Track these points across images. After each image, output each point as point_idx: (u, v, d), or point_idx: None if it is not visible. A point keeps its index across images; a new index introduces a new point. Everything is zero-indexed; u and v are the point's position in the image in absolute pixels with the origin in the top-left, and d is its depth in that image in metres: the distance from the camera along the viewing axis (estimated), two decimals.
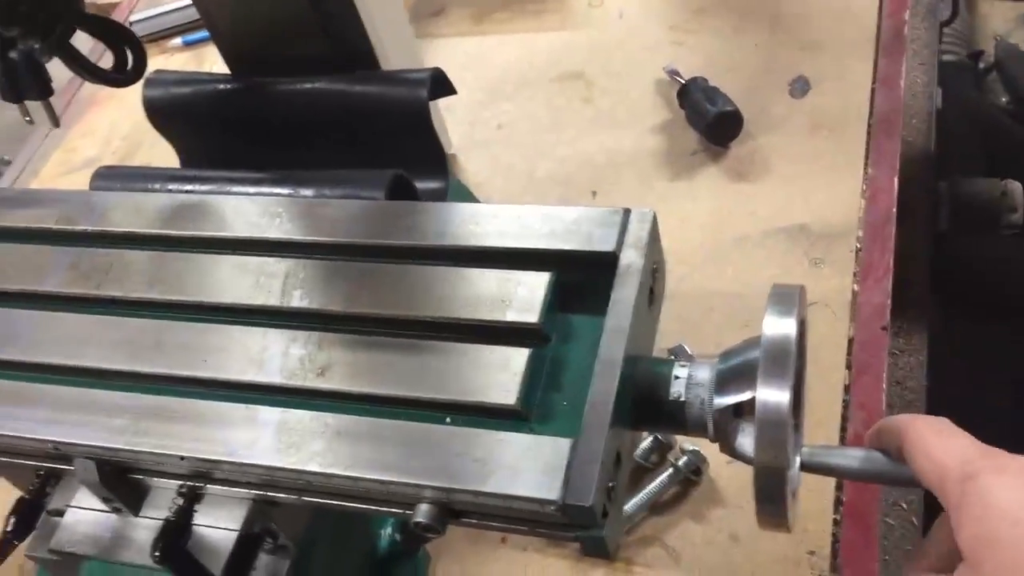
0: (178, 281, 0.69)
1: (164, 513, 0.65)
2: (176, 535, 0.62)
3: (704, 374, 0.58)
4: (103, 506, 0.69)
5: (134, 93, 1.30)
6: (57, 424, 0.62)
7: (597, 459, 0.52)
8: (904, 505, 0.73)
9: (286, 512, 0.67)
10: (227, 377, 0.62)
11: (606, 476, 0.53)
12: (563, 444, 0.53)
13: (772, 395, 0.52)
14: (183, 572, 0.63)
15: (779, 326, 0.54)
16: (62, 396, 0.64)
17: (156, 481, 0.63)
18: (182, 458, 0.59)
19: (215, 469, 0.60)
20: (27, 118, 0.76)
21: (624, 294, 0.60)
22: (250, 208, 0.72)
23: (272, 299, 0.65)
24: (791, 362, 0.52)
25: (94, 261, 0.72)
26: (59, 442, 0.62)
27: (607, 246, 0.62)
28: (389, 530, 0.76)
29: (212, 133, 0.87)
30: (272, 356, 0.63)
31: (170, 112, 0.86)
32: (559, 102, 1.11)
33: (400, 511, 0.57)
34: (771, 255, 0.90)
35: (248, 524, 0.66)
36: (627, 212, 0.63)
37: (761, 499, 0.53)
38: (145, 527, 0.69)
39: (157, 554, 0.62)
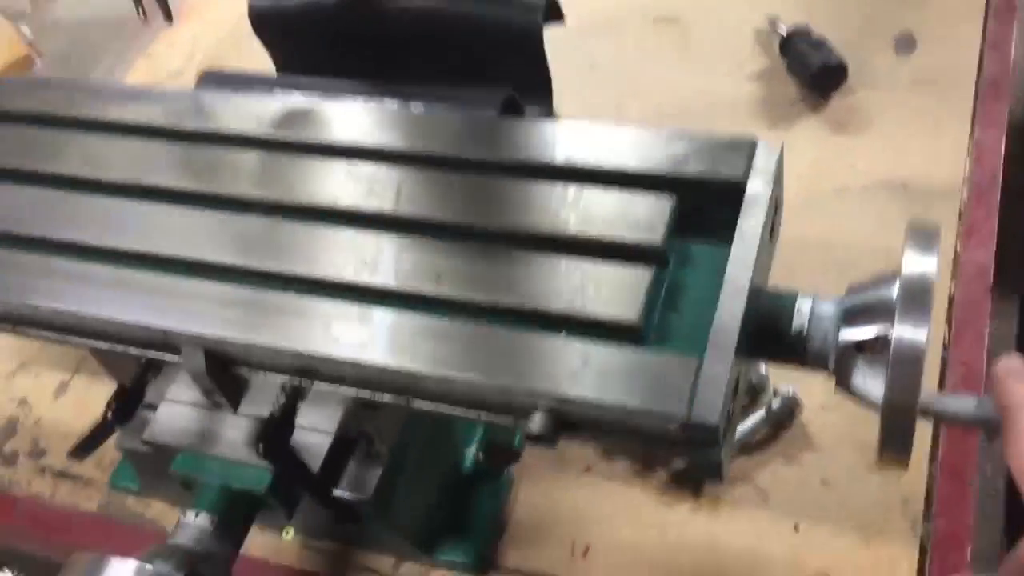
0: (289, 183, 0.68)
1: (261, 410, 0.66)
2: (280, 431, 0.63)
3: (829, 308, 0.57)
4: (200, 400, 0.70)
5: (217, 10, 1.30)
6: (168, 312, 0.62)
7: (724, 379, 0.52)
8: None
9: (383, 418, 0.68)
10: (340, 278, 0.62)
11: (730, 398, 0.53)
12: (688, 363, 0.53)
13: (910, 333, 0.51)
14: (284, 468, 0.64)
15: (919, 264, 0.52)
16: (173, 286, 0.64)
17: (260, 377, 0.63)
18: (295, 353, 0.59)
19: (325, 366, 0.59)
20: (141, 14, 0.76)
21: (751, 223, 0.59)
22: (362, 116, 0.72)
23: (386, 205, 0.65)
24: (930, 301, 0.51)
25: (205, 159, 0.72)
26: (170, 330, 0.62)
27: (734, 173, 0.61)
28: (474, 450, 0.77)
29: (317, 46, 0.86)
30: (386, 260, 0.62)
31: (276, 21, 0.86)
32: (654, 44, 1.10)
33: (512, 421, 0.57)
34: (869, 209, 0.89)
35: (345, 427, 0.67)
36: (755, 142, 0.62)
37: (887, 438, 0.52)
38: (238, 424, 0.70)
39: (261, 447, 0.62)
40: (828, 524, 0.70)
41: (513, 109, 0.76)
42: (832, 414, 0.75)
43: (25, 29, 2.53)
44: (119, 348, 0.66)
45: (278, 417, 0.63)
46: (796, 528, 0.71)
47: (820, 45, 0.98)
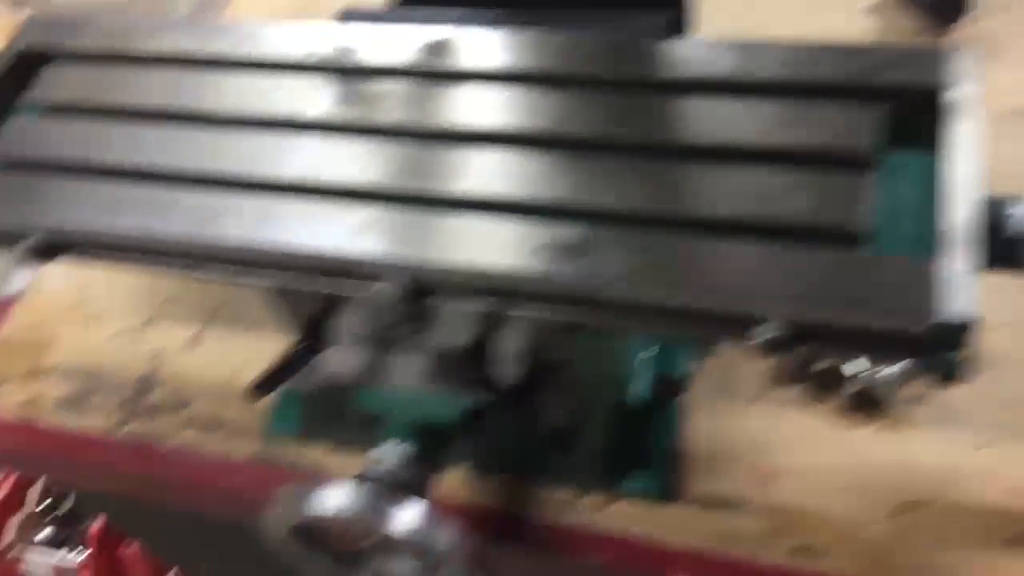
0: (457, 109, 0.67)
1: (449, 341, 0.65)
2: (476, 360, 0.62)
3: None
4: (379, 336, 0.70)
5: None
6: (364, 240, 0.62)
7: (970, 276, 0.51)
8: None
9: (571, 347, 0.67)
10: (519, 198, 0.61)
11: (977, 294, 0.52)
12: (921, 264, 0.52)
13: None
14: (484, 396, 0.63)
15: None
16: (359, 216, 0.63)
17: (449, 306, 0.62)
18: (496, 275, 0.58)
19: (526, 285, 0.59)
20: None
21: (967, 127, 0.58)
22: (513, 43, 0.71)
23: (574, 127, 0.64)
24: None
25: (363, 91, 0.71)
26: (367, 261, 0.61)
27: (935, 79, 0.60)
28: (645, 381, 0.76)
29: None
30: (582, 182, 0.61)
31: None
32: None
33: (739, 333, 0.56)
34: (1002, 136, 0.88)
35: (536, 356, 0.66)
36: (955, 48, 0.62)
37: None
38: (423, 356, 0.70)
39: (460, 375, 0.61)
40: (1011, 442, 0.70)
41: (675, 30, 0.75)
42: (1008, 332, 0.74)
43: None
44: (308, 282, 0.65)
45: (473, 346, 0.62)
46: (978, 447, 0.70)
47: None
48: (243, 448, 0.82)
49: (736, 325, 0.55)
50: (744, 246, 0.56)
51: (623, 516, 0.73)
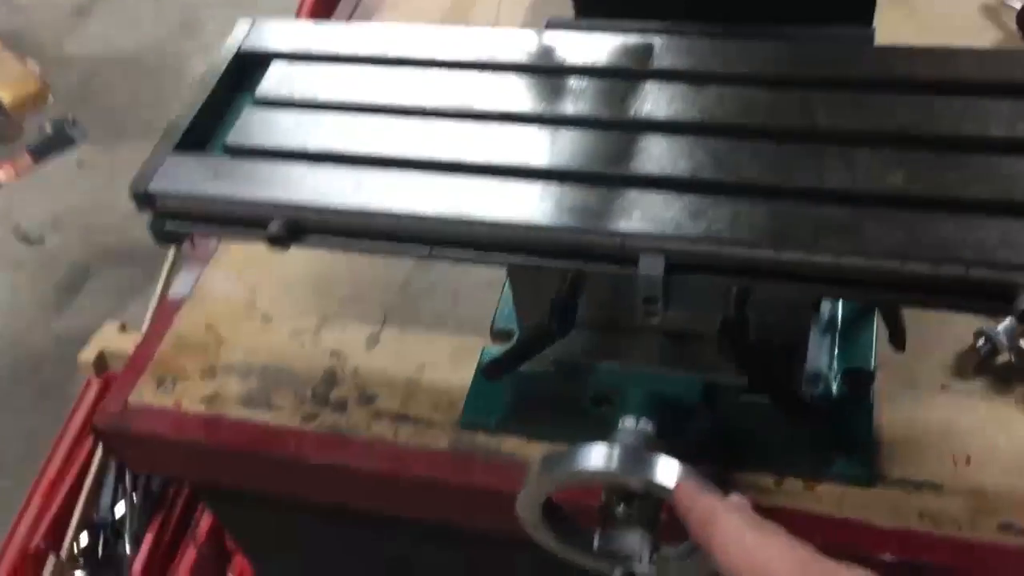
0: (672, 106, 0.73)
1: (692, 322, 0.70)
2: (743, 331, 0.66)
3: None
4: (615, 318, 0.74)
5: None
6: (625, 219, 0.67)
7: None
8: None
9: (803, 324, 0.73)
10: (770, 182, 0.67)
11: None
12: None
13: None
14: (754, 369, 0.68)
15: None
16: (598, 197, 0.68)
17: (705, 281, 0.67)
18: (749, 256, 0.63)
19: (788, 266, 0.64)
20: None
21: None
22: (728, 48, 0.78)
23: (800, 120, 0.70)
24: None
25: (569, 87, 0.77)
26: (628, 234, 0.66)
27: None
28: (837, 374, 0.81)
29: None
30: (835, 166, 0.67)
31: None
32: (886, 23, 1.17)
33: (995, 304, 0.61)
34: None
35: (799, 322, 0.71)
36: None
37: None
38: (658, 335, 0.75)
39: (729, 348, 0.66)
40: None
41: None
42: None
43: (32, 64, 2.56)
44: (555, 263, 0.70)
45: (734, 317, 0.67)
46: None
47: None
48: (438, 441, 0.86)
49: (999, 297, 0.61)
50: (1001, 222, 0.62)
51: (828, 499, 0.77)
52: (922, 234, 0.62)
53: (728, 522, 0.60)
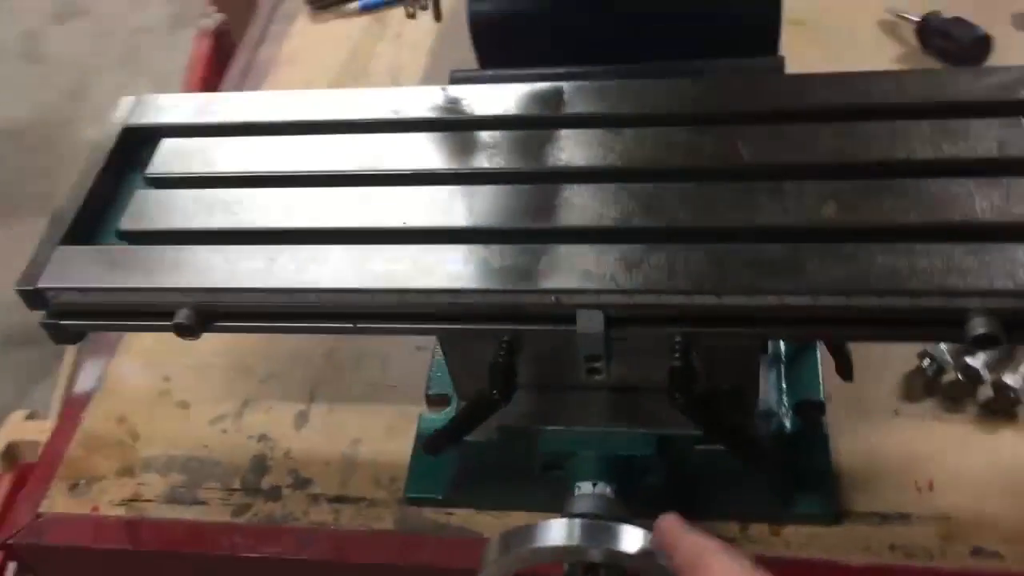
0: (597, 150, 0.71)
1: (635, 375, 0.68)
2: (689, 381, 0.64)
3: None
4: (553, 377, 0.71)
5: None
6: (557, 276, 0.64)
7: None
8: None
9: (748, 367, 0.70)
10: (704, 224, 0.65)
11: None
12: None
13: None
14: (705, 420, 0.65)
15: None
16: (528, 256, 0.65)
17: (648, 333, 0.64)
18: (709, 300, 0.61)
19: (731, 311, 0.62)
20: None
21: None
22: (638, 88, 0.76)
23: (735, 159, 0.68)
24: None
25: (479, 141, 0.74)
26: (563, 291, 0.63)
27: None
28: (786, 409, 0.79)
29: (542, 44, 0.89)
30: (764, 204, 0.65)
31: (500, 24, 0.88)
32: (788, 43, 1.17)
33: (944, 331, 0.60)
34: None
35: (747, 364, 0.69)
36: None
37: None
38: (605, 393, 0.72)
39: (679, 399, 0.63)
40: None
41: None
42: None
43: None
44: (488, 328, 0.66)
45: (683, 368, 0.64)
46: None
47: (958, 22, 1.08)
48: (382, 520, 0.81)
49: (949, 324, 0.59)
50: (943, 247, 0.60)
51: (796, 542, 0.75)
52: (865, 266, 0.61)
53: (719, 563, 0.55)
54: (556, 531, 0.62)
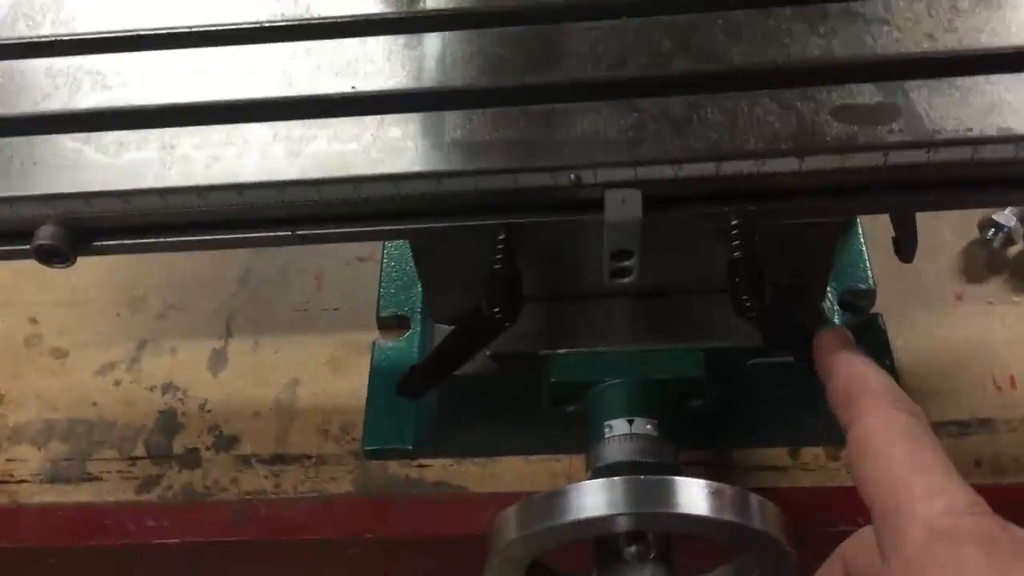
0: None
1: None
2: (756, 276, 0.49)
3: None
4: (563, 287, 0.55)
5: None
6: (571, 146, 0.47)
7: None
8: None
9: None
10: None
11: None
12: None
13: None
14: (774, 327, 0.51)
15: None
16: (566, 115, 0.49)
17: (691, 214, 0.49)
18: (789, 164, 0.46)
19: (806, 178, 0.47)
20: None
21: None
22: None
23: None
24: None
25: None
26: (583, 166, 0.47)
27: None
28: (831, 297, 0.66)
29: None
30: None
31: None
32: None
33: None
34: None
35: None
36: None
37: None
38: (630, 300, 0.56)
39: (746, 300, 0.48)
40: None
41: None
42: None
43: None
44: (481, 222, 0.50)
45: (747, 258, 0.49)
46: None
47: None
48: (338, 482, 0.65)
49: None
50: None
51: None
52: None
53: (879, 416, 0.44)
54: (595, 496, 0.47)
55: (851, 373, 0.48)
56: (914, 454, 0.43)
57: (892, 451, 0.43)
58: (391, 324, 0.70)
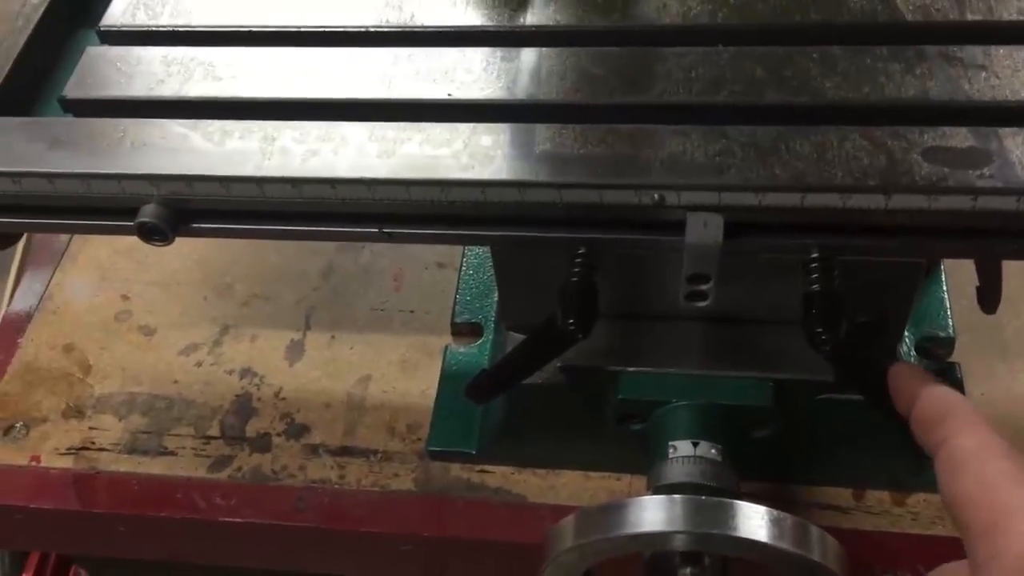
0: None
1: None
2: (834, 311, 0.49)
3: None
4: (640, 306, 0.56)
5: None
6: (657, 167, 0.48)
7: None
8: None
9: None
10: None
11: None
12: None
13: None
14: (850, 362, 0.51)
15: None
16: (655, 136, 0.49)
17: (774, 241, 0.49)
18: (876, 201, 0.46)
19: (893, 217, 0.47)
20: None
21: None
22: None
23: None
24: None
25: None
26: (667, 186, 0.47)
27: None
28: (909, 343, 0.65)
29: None
30: None
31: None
32: None
33: None
34: None
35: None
36: None
37: None
38: (709, 327, 0.57)
39: (822, 334, 0.48)
40: None
41: None
42: None
43: None
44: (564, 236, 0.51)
45: (827, 292, 0.49)
46: None
47: None
48: (400, 479, 0.66)
49: None
50: None
51: (924, 515, 0.61)
52: None
53: (974, 433, 0.44)
54: (654, 512, 0.47)
55: (937, 397, 0.48)
56: (1014, 472, 0.42)
57: (989, 469, 0.43)
58: (465, 330, 0.72)
